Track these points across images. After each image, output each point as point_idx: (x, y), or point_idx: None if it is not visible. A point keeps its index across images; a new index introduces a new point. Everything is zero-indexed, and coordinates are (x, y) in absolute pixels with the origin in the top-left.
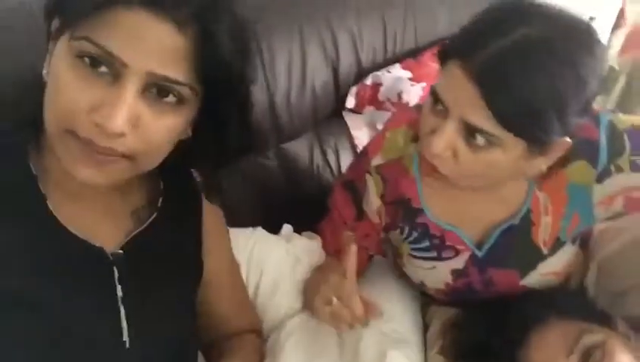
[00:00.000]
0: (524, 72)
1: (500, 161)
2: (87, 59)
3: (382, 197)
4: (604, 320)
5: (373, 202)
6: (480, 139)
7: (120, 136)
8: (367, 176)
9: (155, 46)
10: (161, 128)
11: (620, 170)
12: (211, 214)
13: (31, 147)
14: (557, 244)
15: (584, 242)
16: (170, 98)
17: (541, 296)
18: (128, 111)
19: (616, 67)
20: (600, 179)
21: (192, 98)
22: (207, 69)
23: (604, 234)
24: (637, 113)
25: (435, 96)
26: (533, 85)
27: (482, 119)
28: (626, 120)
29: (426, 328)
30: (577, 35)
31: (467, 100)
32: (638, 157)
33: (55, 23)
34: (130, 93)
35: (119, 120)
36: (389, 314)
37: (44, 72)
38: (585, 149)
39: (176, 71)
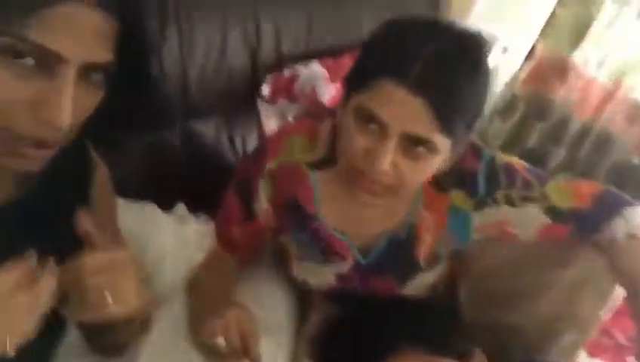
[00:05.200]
0: (459, 78)
1: (434, 164)
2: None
3: (270, 200)
4: (462, 353)
5: (262, 205)
6: (421, 149)
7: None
8: (261, 181)
9: (89, 35)
10: (89, 107)
11: (496, 201)
12: (101, 178)
13: None
14: (434, 260)
15: (458, 253)
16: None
17: (408, 322)
18: (72, 104)
19: (518, 94)
20: (478, 208)
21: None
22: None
23: (480, 247)
24: (530, 138)
25: (366, 116)
26: (469, 89)
27: (426, 129)
28: (504, 157)
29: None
30: (481, 48)
31: (410, 114)
32: (512, 192)
33: None
34: (71, 85)
35: (65, 115)
36: (262, 303)
37: None
38: (465, 178)
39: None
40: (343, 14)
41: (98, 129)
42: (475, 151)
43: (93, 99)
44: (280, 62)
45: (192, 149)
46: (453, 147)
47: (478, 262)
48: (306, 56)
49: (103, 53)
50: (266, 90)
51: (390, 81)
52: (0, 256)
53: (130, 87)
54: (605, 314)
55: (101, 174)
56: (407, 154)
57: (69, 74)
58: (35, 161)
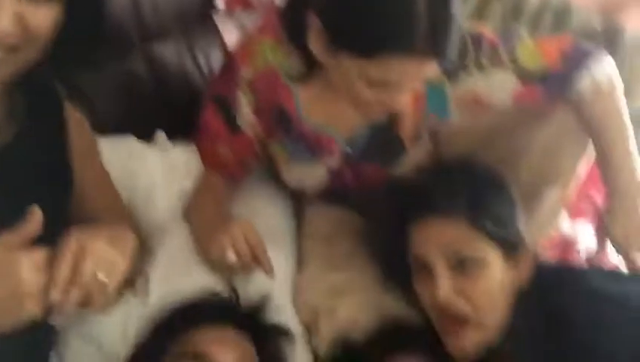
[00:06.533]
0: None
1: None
2: None
3: (254, 111)
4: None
5: (246, 117)
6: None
7: (7, 36)
8: (239, 92)
9: None
10: (44, 20)
11: (467, 70)
12: (76, 124)
13: None
14: (417, 138)
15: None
16: None
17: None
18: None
19: None
20: (452, 78)
21: None
22: None
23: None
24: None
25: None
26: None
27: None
28: (470, 26)
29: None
30: None
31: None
32: (480, 56)
33: None
34: None
35: (4, 21)
36: (257, 212)
37: None
38: None
39: None
40: None
41: (61, 66)
42: None
43: (46, 12)
44: None
45: (157, 76)
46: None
47: (453, 140)
48: None
49: None
50: (219, 1)
51: (399, 53)
52: None
53: (80, 11)
54: (583, 168)
55: (75, 118)
56: None
57: None
58: None
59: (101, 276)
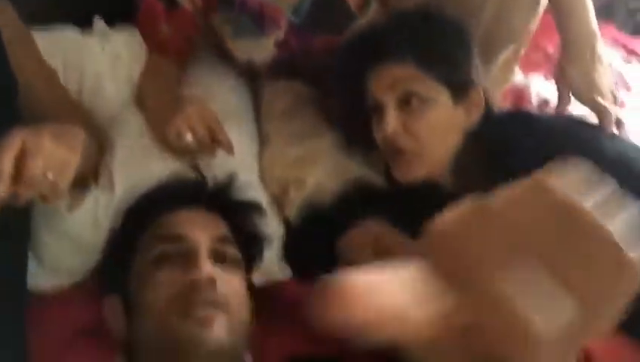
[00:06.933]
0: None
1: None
2: None
3: None
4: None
5: None
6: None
7: None
8: None
9: None
10: None
11: None
12: (7, 18)
13: None
14: (366, 5)
15: None
16: None
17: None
18: None
19: None
20: None
21: None
22: None
23: None
24: None
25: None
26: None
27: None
28: None
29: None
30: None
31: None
32: None
33: None
34: None
35: None
36: (213, 95)
37: None
38: None
39: None
40: None
41: None
42: None
43: None
44: None
45: None
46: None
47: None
48: None
49: None
50: None
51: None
52: None
53: None
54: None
55: (6, 12)
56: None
57: None
58: None
59: (50, 175)
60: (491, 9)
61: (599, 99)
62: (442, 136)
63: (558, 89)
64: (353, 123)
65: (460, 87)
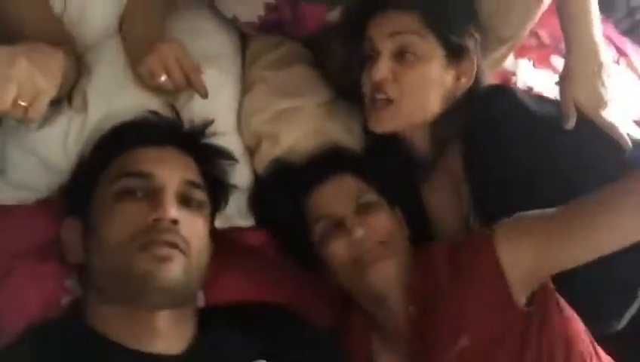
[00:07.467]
0: None
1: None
2: None
3: None
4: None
5: None
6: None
7: None
8: None
9: None
10: None
11: None
12: None
13: None
14: None
15: None
16: None
17: None
18: None
19: None
20: None
21: None
22: None
23: None
24: None
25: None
26: None
27: None
28: None
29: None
30: None
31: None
32: None
33: None
34: None
35: None
36: (199, 32)
37: None
38: None
39: None
40: None
41: None
42: None
43: None
44: None
45: None
46: None
47: None
48: None
49: None
50: None
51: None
52: None
53: None
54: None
55: None
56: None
57: None
58: None
59: (23, 102)
60: (487, 10)
61: (606, 114)
62: (424, 91)
63: (563, 103)
64: (344, 78)
65: (455, 51)
